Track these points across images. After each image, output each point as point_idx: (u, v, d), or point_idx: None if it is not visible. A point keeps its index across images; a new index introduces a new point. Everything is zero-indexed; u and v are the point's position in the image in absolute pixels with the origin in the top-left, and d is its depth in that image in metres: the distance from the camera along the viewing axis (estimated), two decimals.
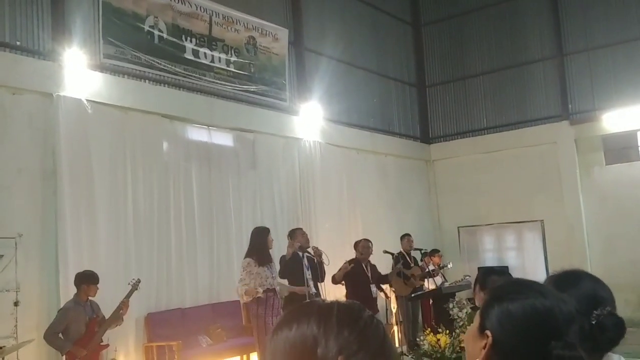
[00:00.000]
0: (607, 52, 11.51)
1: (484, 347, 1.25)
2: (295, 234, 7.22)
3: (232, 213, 8.72)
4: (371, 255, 8.48)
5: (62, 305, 6.08)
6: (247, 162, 9.13)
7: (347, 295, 7.79)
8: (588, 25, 11.74)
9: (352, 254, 8.27)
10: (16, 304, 6.19)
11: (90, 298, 5.97)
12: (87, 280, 5.91)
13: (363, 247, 8.15)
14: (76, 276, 5.98)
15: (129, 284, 6.25)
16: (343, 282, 7.86)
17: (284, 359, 0.98)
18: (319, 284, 7.18)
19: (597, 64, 11.62)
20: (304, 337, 0.96)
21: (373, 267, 8.27)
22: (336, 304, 1.02)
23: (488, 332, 1.25)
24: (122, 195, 7.34)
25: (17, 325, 6.16)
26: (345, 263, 7.75)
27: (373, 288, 7.97)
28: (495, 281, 3.60)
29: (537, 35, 12.34)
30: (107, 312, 6.10)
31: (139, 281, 6.29)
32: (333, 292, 8.02)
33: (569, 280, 1.68)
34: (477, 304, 4.11)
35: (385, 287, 8.64)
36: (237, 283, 6.59)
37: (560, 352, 1.18)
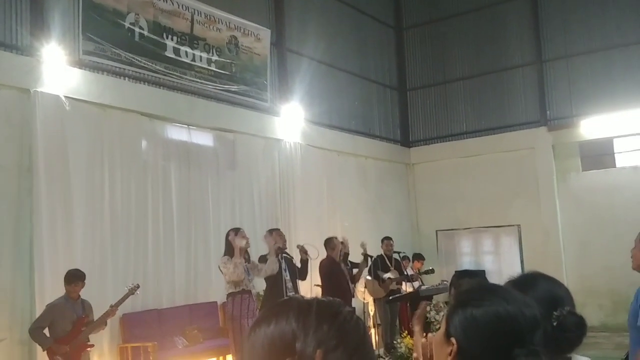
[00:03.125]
0: (585, 59, 11.67)
1: (450, 354, 1.25)
2: (272, 235, 7.17)
3: (210, 213, 8.66)
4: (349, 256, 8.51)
5: (37, 305, 6.00)
6: (226, 162, 9.08)
7: (323, 293, 7.75)
8: (567, 33, 11.89)
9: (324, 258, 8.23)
10: None
11: (83, 298, 5.90)
12: (71, 278, 5.85)
13: (334, 245, 8.09)
14: (65, 275, 5.90)
15: (126, 287, 6.18)
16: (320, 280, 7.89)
17: (263, 355, 0.97)
18: (298, 282, 7.16)
19: (575, 71, 11.77)
20: (283, 332, 0.96)
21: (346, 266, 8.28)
22: (315, 300, 1.02)
23: (453, 340, 1.25)
24: (99, 193, 7.25)
25: None
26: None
27: (351, 286, 7.99)
28: (466, 284, 3.61)
29: (517, 41, 12.48)
30: None
31: (137, 287, 6.21)
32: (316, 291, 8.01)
33: (526, 283, 1.67)
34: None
35: (359, 288, 8.67)
36: (225, 282, 6.46)
37: (523, 359, 1.18)
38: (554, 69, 12.05)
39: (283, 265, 6.94)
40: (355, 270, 8.45)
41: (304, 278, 7.38)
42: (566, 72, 11.89)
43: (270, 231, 7.23)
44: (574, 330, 1.56)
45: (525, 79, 12.34)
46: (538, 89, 12.11)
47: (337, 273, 7.87)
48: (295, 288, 6.97)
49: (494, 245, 12.47)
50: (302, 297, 1.04)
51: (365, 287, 9.04)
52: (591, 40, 11.62)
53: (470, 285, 1.41)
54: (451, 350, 1.24)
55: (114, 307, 5.99)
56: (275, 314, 1.00)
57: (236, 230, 6.54)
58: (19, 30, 6.92)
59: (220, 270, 6.43)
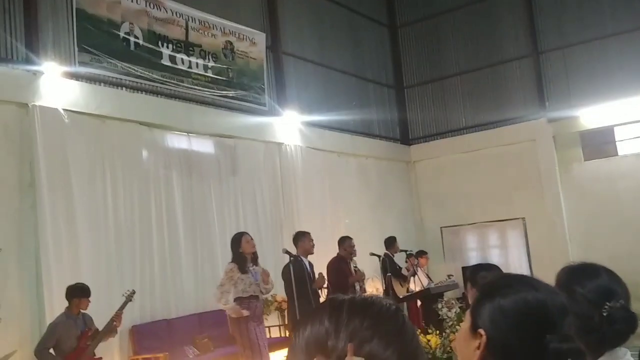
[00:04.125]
0: (582, 49, 11.64)
1: (478, 347, 1.19)
2: (304, 239, 7.18)
3: (215, 220, 8.62)
4: (356, 257, 8.47)
5: (47, 319, 5.94)
6: (228, 168, 9.03)
7: (330, 291, 7.70)
8: (562, 23, 11.88)
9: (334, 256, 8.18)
10: None
11: (82, 311, 5.83)
12: (78, 293, 5.79)
13: (349, 245, 8.06)
14: (67, 289, 5.84)
15: (123, 295, 6.12)
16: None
17: (300, 357, 0.96)
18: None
19: (572, 61, 11.75)
20: (317, 333, 0.96)
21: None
22: (348, 297, 1.00)
23: (481, 331, 1.20)
24: (102, 205, 7.20)
25: None
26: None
27: (357, 286, 7.92)
28: (485, 277, 3.58)
29: (512, 34, 12.45)
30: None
31: (133, 292, 6.17)
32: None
33: (587, 272, 1.66)
34: (470, 302, 4.08)
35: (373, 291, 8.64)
36: (216, 287, 6.43)
37: (556, 345, 1.15)
38: (550, 60, 12.02)
39: (308, 269, 6.92)
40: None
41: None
42: (563, 63, 11.87)
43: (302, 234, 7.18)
44: (623, 324, 1.55)
45: (522, 72, 12.31)
46: (536, 81, 12.08)
47: (345, 272, 7.82)
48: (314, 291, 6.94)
49: (500, 239, 12.43)
50: (339, 296, 1.02)
51: (392, 287, 8.95)
52: (586, 30, 11.60)
53: (494, 277, 1.37)
54: (479, 344, 1.20)
55: (118, 313, 5.91)
56: (310, 317, 0.99)
57: (239, 236, 6.49)
58: (14, 45, 6.86)
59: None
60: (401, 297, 8.20)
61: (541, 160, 11.81)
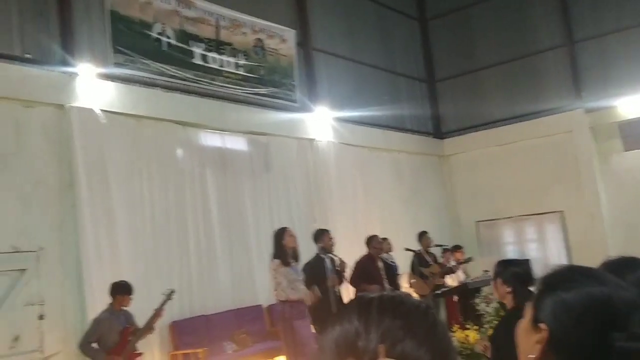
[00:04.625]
0: (618, 37, 11.35)
1: (539, 342, 1.14)
2: (323, 237, 7.15)
3: (249, 217, 8.66)
4: (391, 252, 8.45)
5: (89, 316, 6.05)
6: (261, 165, 9.07)
7: (356, 290, 7.68)
8: (598, 11, 11.60)
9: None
10: (41, 317, 6.15)
11: (124, 308, 5.92)
12: (122, 290, 5.90)
13: (377, 242, 8.05)
14: (111, 286, 5.94)
15: (162, 293, 6.19)
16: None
17: (332, 358, 0.94)
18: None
19: (609, 50, 11.47)
20: (346, 332, 0.93)
21: (390, 265, 8.15)
22: (377, 295, 0.98)
23: (543, 325, 1.14)
24: (140, 204, 7.30)
25: (42, 339, 6.11)
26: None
27: (386, 285, 7.87)
28: (516, 272, 3.50)
29: (546, 23, 12.21)
30: None
31: (172, 292, 6.23)
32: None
33: (628, 265, 1.57)
34: (497, 297, 4.01)
35: (405, 286, 8.56)
36: (274, 289, 6.40)
37: (623, 344, 1.07)
38: (586, 49, 11.76)
39: (329, 265, 6.90)
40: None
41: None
42: (599, 52, 11.60)
43: (321, 232, 7.20)
44: None
45: (557, 62, 12.07)
46: (571, 71, 11.83)
47: (372, 270, 7.79)
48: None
49: (537, 233, 12.21)
50: (367, 294, 0.99)
51: (411, 285, 8.91)
52: (623, 17, 11.32)
53: (558, 268, 1.31)
54: (540, 338, 1.14)
55: (158, 311, 5.98)
56: (340, 315, 0.96)
57: (283, 230, 6.50)
58: (51, 47, 6.98)
59: (272, 276, 6.37)
60: (438, 292, 8.11)
61: (578, 152, 11.56)
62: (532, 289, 3.74)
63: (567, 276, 1.20)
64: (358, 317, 0.93)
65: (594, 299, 1.12)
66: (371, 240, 8.06)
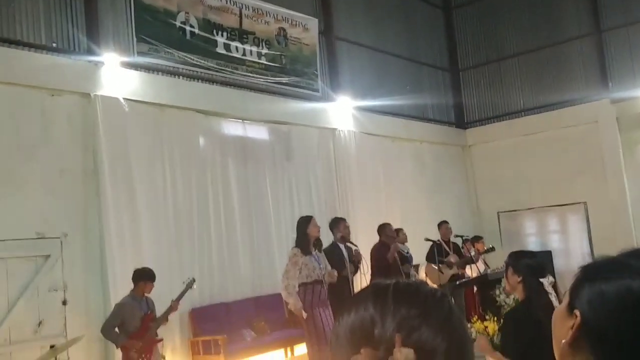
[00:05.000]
0: None
1: (572, 328, 1.16)
2: (339, 225, 7.17)
3: (270, 206, 8.72)
4: (406, 243, 8.47)
5: (111, 302, 6.17)
6: (282, 154, 9.10)
7: (372, 277, 7.70)
8: None
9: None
10: (64, 302, 6.30)
11: (146, 294, 6.02)
12: (145, 277, 5.98)
13: (390, 229, 8.06)
14: (135, 272, 6.03)
15: (183, 282, 6.27)
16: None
17: (347, 345, 0.94)
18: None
19: (637, 39, 11.23)
20: (362, 320, 0.93)
21: (404, 256, 8.16)
22: (393, 282, 0.97)
23: (577, 312, 1.15)
24: (162, 192, 7.39)
25: (66, 324, 6.26)
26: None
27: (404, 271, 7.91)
28: (528, 264, 3.52)
29: (573, 11, 11.99)
30: None
31: (193, 280, 6.30)
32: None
33: None
34: (507, 289, 4.03)
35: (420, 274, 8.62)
36: (282, 275, 6.49)
37: None
38: (613, 39, 11.52)
39: (345, 254, 6.93)
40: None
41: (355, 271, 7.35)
42: (627, 41, 11.36)
43: (337, 220, 7.24)
44: None
45: (584, 51, 11.86)
46: (598, 61, 11.62)
47: (386, 257, 7.81)
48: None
49: (560, 224, 12.06)
50: (382, 281, 0.99)
51: (427, 275, 8.92)
52: None
53: (600, 259, 1.30)
54: (573, 324, 1.15)
55: (175, 302, 6.08)
56: (355, 302, 0.97)
57: (308, 219, 6.53)
58: (76, 36, 7.08)
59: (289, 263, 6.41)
60: (457, 283, 8.09)
61: (604, 143, 11.37)
62: (543, 280, 3.74)
63: (608, 267, 1.19)
64: (374, 305, 0.93)
65: (632, 293, 1.11)
66: (383, 228, 8.07)
